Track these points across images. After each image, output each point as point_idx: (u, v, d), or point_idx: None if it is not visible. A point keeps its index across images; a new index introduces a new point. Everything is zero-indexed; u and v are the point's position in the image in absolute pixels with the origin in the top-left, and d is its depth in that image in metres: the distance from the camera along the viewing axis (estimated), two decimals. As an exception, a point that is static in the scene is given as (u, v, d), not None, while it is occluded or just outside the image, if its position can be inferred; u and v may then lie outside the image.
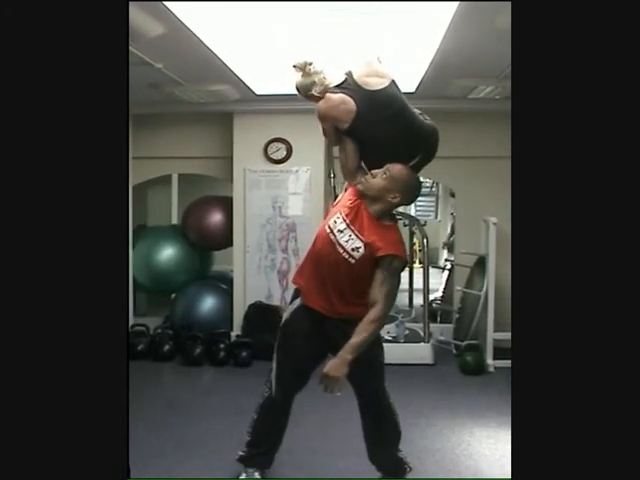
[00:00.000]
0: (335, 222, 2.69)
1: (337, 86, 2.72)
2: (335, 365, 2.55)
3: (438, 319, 6.26)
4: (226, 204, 5.79)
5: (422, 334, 5.38)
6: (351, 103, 2.66)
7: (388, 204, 2.66)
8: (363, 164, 2.80)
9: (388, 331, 5.24)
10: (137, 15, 2.89)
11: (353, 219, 2.66)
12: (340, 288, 2.69)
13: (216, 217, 5.85)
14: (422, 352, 5.23)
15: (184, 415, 4.06)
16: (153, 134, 5.83)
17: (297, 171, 5.55)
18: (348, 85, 2.71)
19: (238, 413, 3.57)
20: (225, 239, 5.79)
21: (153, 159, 5.91)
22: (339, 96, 2.68)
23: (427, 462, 3.35)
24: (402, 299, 6.85)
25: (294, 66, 2.76)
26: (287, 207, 5.59)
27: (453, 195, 7.57)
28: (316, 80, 2.73)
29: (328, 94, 2.71)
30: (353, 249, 2.62)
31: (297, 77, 2.79)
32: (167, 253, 5.91)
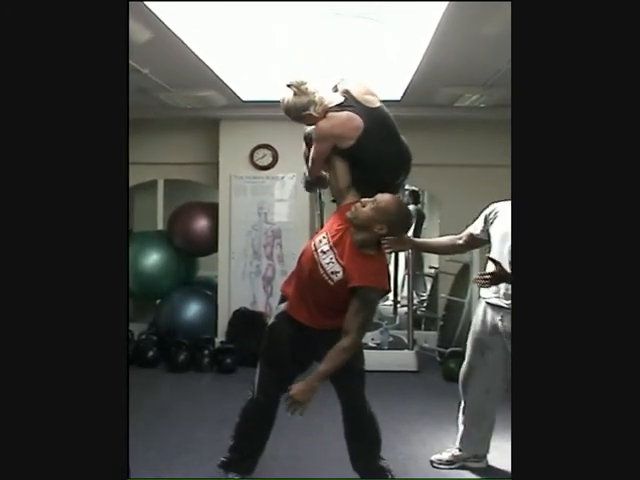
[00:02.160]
0: (320, 241, 2.69)
1: (338, 105, 2.70)
2: (302, 390, 2.56)
3: (422, 326, 6.29)
4: (212, 210, 5.78)
5: (406, 341, 5.40)
6: (358, 119, 2.66)
7: (373, 235, 2.63)
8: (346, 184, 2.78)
9: (372, 338, 5.26)
10: (124, 20, 2.89)
11: (337, 242, 2.65)
12: (319, 303, 2.71)
13: (202, 223, 5.83)
14: (406, 359, 5.25)
15: (167, 421, 4.04)
16: (139, 139, 5.79)
17: (283, 178, 5.56)
18: (350, 103, 2.70)
19: (221, 420, 3.56)
20: (210, 245, 5.78)
21: (139, 164, 5.86)
22: (345, 113, 2.67)
23: (410, 469, 3.35)
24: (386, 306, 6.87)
25: (288, 85, 2.71)
26: (273, 213, 5.60)
27: (417, 199, 7.70)
28: (316, 99, 2.69)
29: (331, 113, 2.69)
30: (332, 272, 2.62)
31: (288, 96, 2.72)
32: (152, 259, 5.88)
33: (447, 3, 2.72)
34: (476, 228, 3.16)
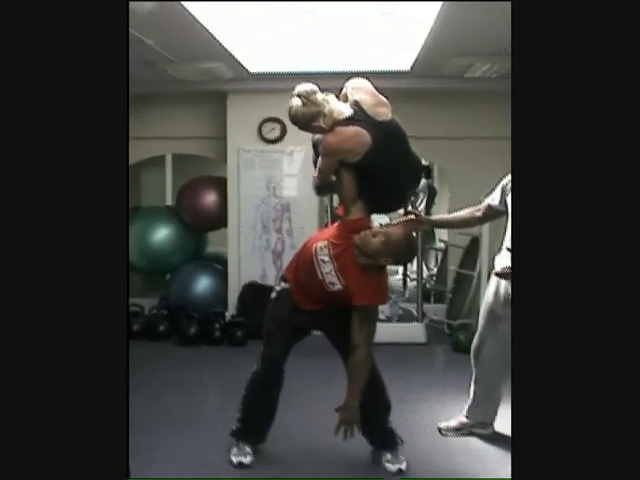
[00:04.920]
0: (322, 249, 2.73)
1: (348, 118, 2.64)
2: (345, 412, 2.74)
3: (432, 299, 6.30)
4: (220, 185, 5.77)
5: (415, 314, 5.42)
6: (366, 135, 2.61)
7: (377, 263, 2.67)
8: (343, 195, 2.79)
9: (382, 311, 5.27)
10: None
11: (338, 255, 2.70)
12: (316, 298, 2.81)
13: (210, 198, 5.83)
14: (415, 331, 5.27)
15: (179, 392, 4.10)
16: (146, 114, 5.78)
17: (291, 152, 5.53)
18: (359, 117, 2.64)
19: (232, 390, 3.58)
20: (219, 220, 5.78)
21: (146, 139, 5.87)
22: (353, 129, 2.62)
23: (418, 436, 3.39)
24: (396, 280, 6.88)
25: (298, 95, 2.64)
26: (281, 187, 5.58)
27: (429, 174, 7.68)
28: (325, 111, 2.63)
29: (339, 127, 2.63)
30: (330, 282, 2.70)
31: (297, 105, 2.65)
32: (162, 234, 5.89)
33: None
34: (494, 199, 3.14)
